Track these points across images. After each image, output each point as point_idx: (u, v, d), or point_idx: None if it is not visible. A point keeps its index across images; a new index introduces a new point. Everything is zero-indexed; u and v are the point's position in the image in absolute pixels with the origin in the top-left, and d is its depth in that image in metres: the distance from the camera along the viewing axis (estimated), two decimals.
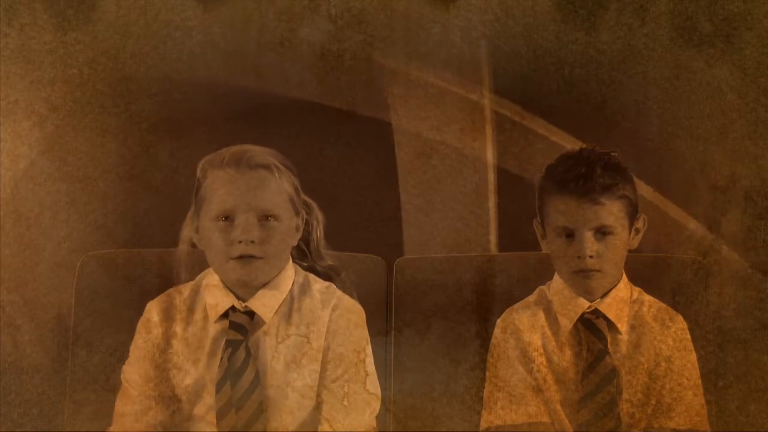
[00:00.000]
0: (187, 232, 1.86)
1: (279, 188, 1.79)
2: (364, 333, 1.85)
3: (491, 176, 2.43)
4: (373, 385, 1.83)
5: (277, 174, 1.79)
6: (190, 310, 1.85)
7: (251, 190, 1.77)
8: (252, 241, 1.75)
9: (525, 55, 2.44)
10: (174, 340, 1.84)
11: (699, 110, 2.42)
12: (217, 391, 1.78)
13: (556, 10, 2.43)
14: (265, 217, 1.77)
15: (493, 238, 2.45)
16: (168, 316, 1.85)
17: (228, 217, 1.77)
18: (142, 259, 2.08)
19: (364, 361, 1.84)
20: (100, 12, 2.42)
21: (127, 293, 2.03)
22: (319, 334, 1.81)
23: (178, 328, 1.84)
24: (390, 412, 2.05)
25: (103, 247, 2.35)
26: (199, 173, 1.82)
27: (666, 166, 2.43)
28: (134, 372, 1.84)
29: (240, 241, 1.75)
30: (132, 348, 1.86)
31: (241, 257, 1.76)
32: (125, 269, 2.07)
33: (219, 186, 1.78)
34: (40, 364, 2.37)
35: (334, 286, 1.88)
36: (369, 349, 1.84)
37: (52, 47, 2.42)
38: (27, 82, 2.42)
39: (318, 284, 1.87)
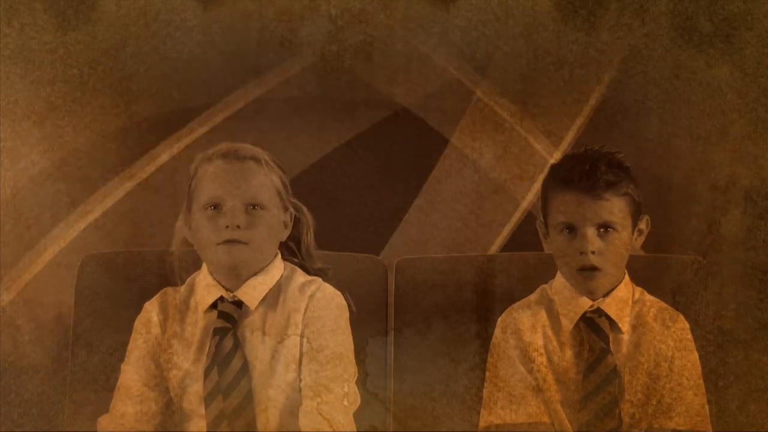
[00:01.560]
0: (179, 227, 1.88)
1: (266, 179, 1.83)
2: (346, 324, 1.86)
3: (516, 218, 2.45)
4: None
5: (265, 166, 1.83)
6: (185, 308, 1.86)
7: (239, 180, 1.80)
8: (238, 227, 1.78)
9: (525, 55, 2.44)
10: (174, 339, 1.84)
11: (699, 110, 2.42)
12: (205, 377, 1.79)
13: (556, 10, 2.43)
14: (251, 206, 1.80)
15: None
16: (166, 315, 1.86)
17: (216, 206, 1.80)
18: (142, 259, 2.08)
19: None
20: (100, 12, 2.42)
21: (127, 293, 2.03)
22: (298, 322, 1.83)
23: (176, 327, 1.85)
24: (390, 412, 2.05)
25: (103, 247, 2.35)
26: (191, 171, 1.86)
27: (666, 166, 2.43)
28: (134, 372, 1.84)
29: (227, 227, 1.78)
30: (131, 348, 1.86)
31: (227, 242, 1.78)
32: (125, 269, 2.07)
33: (208, 177, 1.81)
34: (40, 364, 2.37)
35: (319, 279, 1.89)
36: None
37: (52, 47, 2.42)
38: (27, 82, 2.42)
39: (303, 277, 1.89)
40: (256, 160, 1.82)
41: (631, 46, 2.42)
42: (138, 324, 1.87)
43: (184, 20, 2.43)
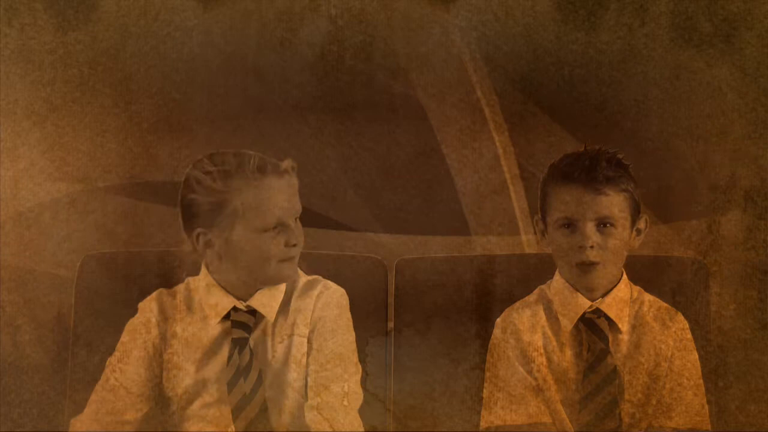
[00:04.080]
0: (202, 245, 1.83)
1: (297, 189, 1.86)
2: (347, 323, 1.88)
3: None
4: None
5: (293, 174, 1.85)
6: (189, 310, 1.86)
7: (292, 197, 1.83)
8: (294, 245, 1.81)
9: (525, 55, 2.44)
10: (174, 340, 1.85)
11: (699, 110, 2.42)
12: (230, 389, 1.81)
13: (556, 10, 2.43)
14: (294, 218, 1.84)
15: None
16: (167, 316, 1.86)
17: (277, 226, 1.80)
18: (142, 259, 2.08)
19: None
20: (100, 12, 2.42)
21: (127, 293, 2.03)
22: (306, 323, 1.84)
23: (177, 328, 1.85)
24: (390, 412, 2.05)
25: (103, 247, 2.35)
26: (216, 185, 1.81)
27: (666, 166, 2.43)
28: (132, 372, 1.84)
29: (294, 245, 1.81)
30: (129, 348, 1.86)
31: (290, 259, 1.82)
32: (125, 269, 2.07)
33: (265, 197, 1.80)
34: (40, 364, 2.37)
35: (320, 277, 1.91)
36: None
37: (52, 47, 2.42)
38: (27, 82, 2.42)
39: (305, 277, 1.91)
40: (288, 172, 1.84)
41: (631, 46, 2.43)
42: (138, 324, 1.87)
43: (184, 20, 2.43)
